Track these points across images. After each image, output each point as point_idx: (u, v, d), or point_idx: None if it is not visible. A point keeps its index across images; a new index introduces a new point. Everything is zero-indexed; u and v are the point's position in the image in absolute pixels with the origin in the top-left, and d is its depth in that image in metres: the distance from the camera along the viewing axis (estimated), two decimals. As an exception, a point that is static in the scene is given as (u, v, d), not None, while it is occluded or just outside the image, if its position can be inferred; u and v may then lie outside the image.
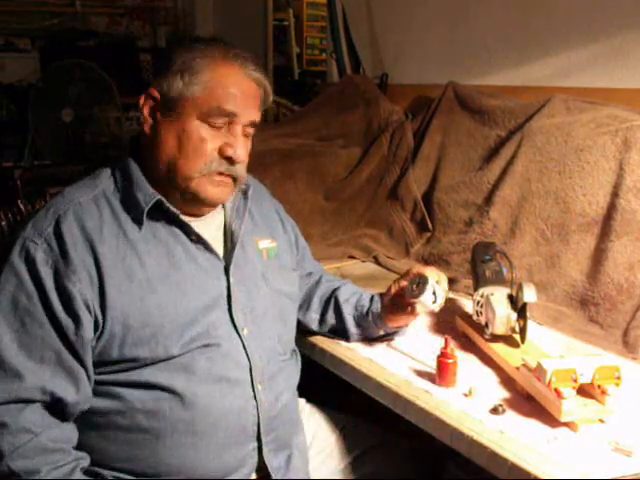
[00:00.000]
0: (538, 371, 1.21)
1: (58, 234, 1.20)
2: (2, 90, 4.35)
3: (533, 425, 1.19)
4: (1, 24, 4.66)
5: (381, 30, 2.84)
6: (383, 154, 2.45)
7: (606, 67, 2.01)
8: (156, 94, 1.27)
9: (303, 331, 1.58)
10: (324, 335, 1.58)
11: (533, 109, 2.03)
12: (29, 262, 1.18)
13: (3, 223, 2.75)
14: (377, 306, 1.49)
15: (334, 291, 1.58)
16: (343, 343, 1.54)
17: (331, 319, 1.55)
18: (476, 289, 1.53)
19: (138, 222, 1.26)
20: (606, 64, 2.01)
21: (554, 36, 2.14)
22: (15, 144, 3.99)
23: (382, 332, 1.52)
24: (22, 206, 2.87)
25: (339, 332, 1.55)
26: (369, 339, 1.54)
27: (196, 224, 1.31)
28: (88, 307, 1.18)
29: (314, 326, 1.58)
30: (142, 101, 1.28)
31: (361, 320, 1.52)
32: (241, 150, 1.27)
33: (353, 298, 1.55)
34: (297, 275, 1.53)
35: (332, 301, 1.56)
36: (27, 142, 3.92)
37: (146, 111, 1.28)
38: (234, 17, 4.52)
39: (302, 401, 1.60)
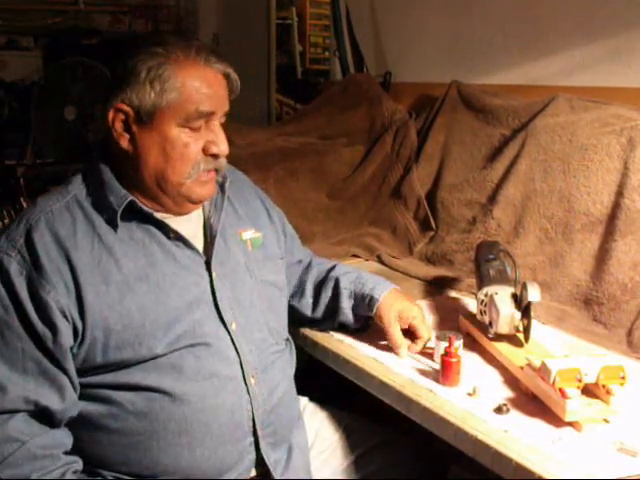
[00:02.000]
0: (542, 371, 1.20)
1: (30, 244, 1.19)
2: (5, 88, 4.34)
3: (537, 425, 1.18)
4: (4, 22, 4.66)
5: (385, 28, 2.83)
6: (386, 153, 2.45)
7: (610, 66, 2.01)
8: (126, 108, 1.22)
9: (304, 327, 1.58)
10: (318, 325, 1.58)
11: (537, 108, 2.02)
12: (3, 274, 1.18)
13: (6, 221, 2.75)
14: (375, 303, 1.48)
15: (329, 271, 1.58)
16: (347, 341, 1.53)
17: (325, 297, 1.55)
18: (480, 288, 1.52)
19: (112, 225, 1.25)
20: (610, 63, 2.01)
21: (558, 35, 2.14)
22: (18, 142, 3.99)
23: (370, 316, 1.51)
24: (25, 204, 2.88)
25: (332, 310, 1.54)
26: (355, 317, 1.54)
27: (173, 221, 1.30)
28: (65, 314, 1.18)
29: (308, 312, 1.57)
30: (111, 116, 1.23)
31: (357, 297, 1.51)
32: (223, 144, 1.28)
33: (352, 274, 1.55)
34: (284, 263, 1.53)
35: (328, 279, 1.56)
36: (30, 140, 3.92)
37: (119, 126, 1.24)
38: (237, 16, 4.52)
39: (305, 399, 1.60)
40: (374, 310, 1.47)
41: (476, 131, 2.20)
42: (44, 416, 1.19)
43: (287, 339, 1.48)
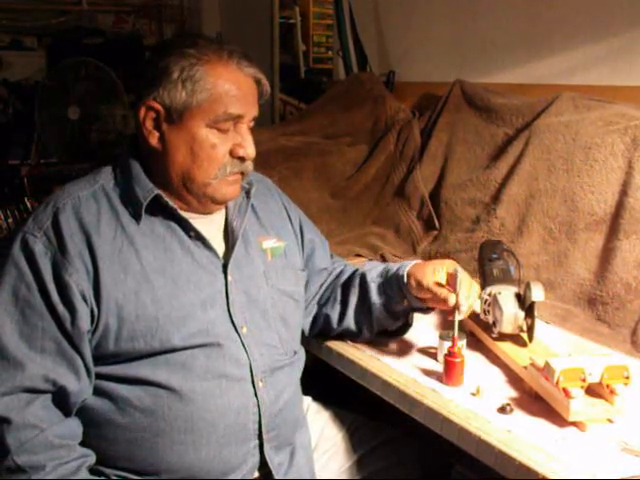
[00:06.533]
0: (546, 370, 1.20)
1: (56, 226, 1.22)
2: (9, 88, 4.36)
3: (541, 425, 1.18)
4: (8, 22, 4.67)
5: (388, 27, 2.83)
6: (390, 152, 2.45)
7: (614, 64, 2.00)
8: (157, 106, 1.25)
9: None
10: (355, 335, 1.51)
11: (541, 107, 2.02)
12: (28, 254, 1.20)
13: (10, 220, 2.76)
14: (404, 270, 1.40)
15: (355, 270, 1.55)
16: (350, 341, 1.53)
17: (354, 297, 1.48)
18: (483, 288, 1.52)
19: (136, 216, 1.27)
20: (614, 62, 2.01)
21: (561, 33, 2.14)
22: (21, 142, 4.00)
23: (406, 303, 1.41)
24: (29, 204, 2.88)
25: (364, 310, 1.47)
26: (390, 313, 1.45)
27: (196, 221, 1.31)
28: (84, 298, 1.20)
29: (340, 316, 1.51)
30: (142, 114, 1.27)
31: (386, 286, 1.44)
32: (251, 148, 1.29)
33: (380, 267, 1.50)
34: (305, 275, 1.51)
35: (354, 277, 1.51)
36: (33, 140, 3.93)
37: (149, 124, 1.27)
38: (240, 15, 4.52)
39: (308, 399, 1.60)
40: (405, 289, 1.39)
41: (480, 130, 2.20)
42: (61, 399, 1.20)
43: (295, 352, 1.44)
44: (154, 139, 1.27)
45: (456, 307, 1.31)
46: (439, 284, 1.35)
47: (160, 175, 1.29)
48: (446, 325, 1.60)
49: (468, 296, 1.33)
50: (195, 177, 1.27)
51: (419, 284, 1.37)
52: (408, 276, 1.39)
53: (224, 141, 1.27)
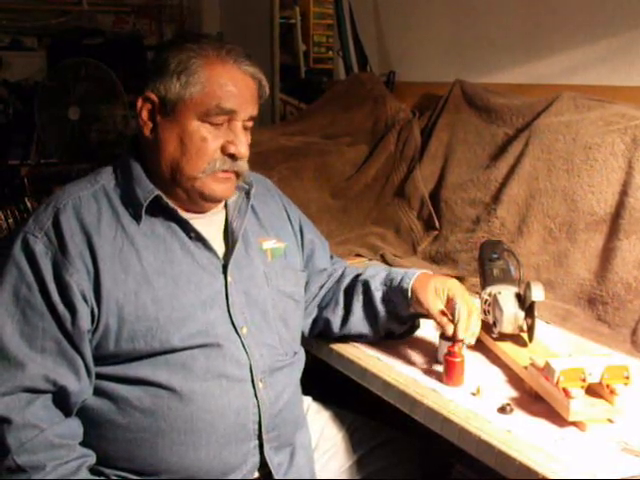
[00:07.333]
0: (546, 370, 1.20)
1: (57, 226, 1.22)
2: (9, 88, 4.36)
3: (541, 425, 1.18)
4: (8, 22, 4.68)
5: (388, 27, 2.83)
6: (390, 152, 2.45)
7: (614, 64, 2.00)
8: (153, 97, 1.27)
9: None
10: (361, 339, 1.51)
11: (541, 107, 2.02)
12: (29, 254, 1.21)
13: (10, 220, 2.76)
14: (408, 284, 1.41)
15: (357, 275, 1.54)
16: (350, 341, 1.53)
17: (357, 304, 1.48)
18: (483, 288, 1.52)
19: (137, 217, 1.27)
20: (614, 61, 2.01)
21: (561, 33, 2.14)
22: (21, 142, 3.99)
23: (412, 309, 1.43)
24: (29, 204, 2.88)
25: (370, 318, 1.48)
26: (396, 319, 1.46)
27: (196, 222, 1.31)
28: (85, 298, 1.20)
29: (343, 322, 1.51)
30: (140, 104, 1.28)
31: (391, 295, 1.45)
32: (243, 146, 1.29)
33: (382, 273, 1.50)
34: (305, 275, 1.51)
35: (357, 284, 1.51)
36: (33, 140, 3.93)
37: (145, 115, 1.29)
38: (240, 15, 4.53)
39: (308, 399, 1.60)
40: (410, 301, 1.41)
41: (480, 130, 2.20)
42: (61, 399, 1.20)
43: (296, 352, 1.44)
44: (147, 130, 1.29)
45: (453, 339, 1.32)
46: (441, 311, 1.37)
47: (155, 173, 1.30)
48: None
49: (467, 328, 1.34)
50: (183, 169, 1.27)
51: (420, 304, 1.39)
52: (412, 291, 1.41)
53: (216, 136, 1.27)
